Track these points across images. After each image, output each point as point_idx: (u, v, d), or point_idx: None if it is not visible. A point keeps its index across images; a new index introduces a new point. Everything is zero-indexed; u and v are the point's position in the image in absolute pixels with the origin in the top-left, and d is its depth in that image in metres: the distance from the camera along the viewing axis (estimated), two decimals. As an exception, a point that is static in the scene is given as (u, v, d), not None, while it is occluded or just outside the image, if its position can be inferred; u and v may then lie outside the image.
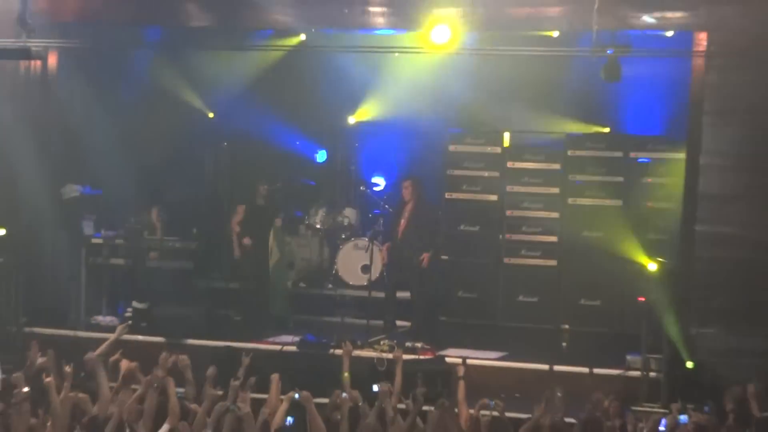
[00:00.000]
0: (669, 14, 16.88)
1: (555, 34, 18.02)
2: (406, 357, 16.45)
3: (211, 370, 13.88)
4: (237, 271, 19.73)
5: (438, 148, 19.68)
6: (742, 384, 13.97)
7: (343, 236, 20.06)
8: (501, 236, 19.10)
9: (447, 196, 19.41)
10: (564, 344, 17.39)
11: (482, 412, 12.08)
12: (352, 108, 21.25)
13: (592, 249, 18.24)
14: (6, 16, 15.89)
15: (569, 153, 18.95)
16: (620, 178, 18.66)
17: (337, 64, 20.71)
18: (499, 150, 19.32)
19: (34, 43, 15.72)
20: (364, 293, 18.81)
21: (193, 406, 12.87)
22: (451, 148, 19.51)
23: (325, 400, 13.01)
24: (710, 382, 14.89)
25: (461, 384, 13.64)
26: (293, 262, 20.08)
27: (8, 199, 18.55)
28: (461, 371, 14.13)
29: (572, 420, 12.56)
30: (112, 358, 14.36)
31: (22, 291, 18.38)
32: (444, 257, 18.86)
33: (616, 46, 16.65)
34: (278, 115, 20.78)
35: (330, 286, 20.01)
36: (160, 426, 12.38)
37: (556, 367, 16.30)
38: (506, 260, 19.02)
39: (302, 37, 19.81)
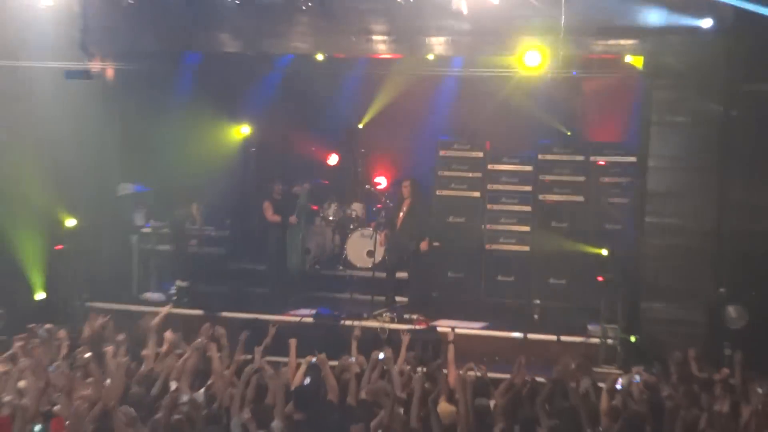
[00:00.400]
0: (622, 42, 16.85)
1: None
2: (403, 327, 16.50)
3: (243, 335, 13.90)
4: (263, 254, 19.75)
5: (430, 153, 19.65)
6: (683, 349, 13.97)
7: (352, 226, 20.01)
8: (483, 226, 19.13)
9: (438, 193, 19.44)
10: (536, 316, 17.41)
11: (468, 372, 12.04)
12: (358, 119, 21.21)
13: (559, 237, 18.29)
14: (71, 43, 15.85)
15: (539, 157, 18.99)
16: (582, 178, 18.69)
17: (344, 85, 20.69)
18: (481, 155, 19.35)
19: (94, 65, 15.68)
20: (369, 274, 18.77)
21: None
22: (441, 153, 19.54)
23: (336, 363, 13.00)
24: (657, 348, 14.87)
25: (450, 348, 13.64)
26: (310, 248, 20.02)
27: (74, 195, 18.53)
28: (451, 337, 14.13)
29: (543, 379, 12.53)
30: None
31: (84, 271, 18.39)
32: (436, 244, 18.81)
33: (579, 67, 16.64)
34: (297, 125, 20.73)
35: (340, 267, 19.95)
36: (196, 383, 12.39)
37: (530, 335, 16.31)
38: (487, 246, 19.05)
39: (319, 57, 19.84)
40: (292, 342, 13.60)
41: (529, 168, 19.07)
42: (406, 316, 17.43)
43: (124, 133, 19.87)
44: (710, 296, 15.90)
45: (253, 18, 17.79)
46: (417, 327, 16.61)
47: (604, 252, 17.21)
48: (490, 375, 13.14)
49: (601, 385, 12.69)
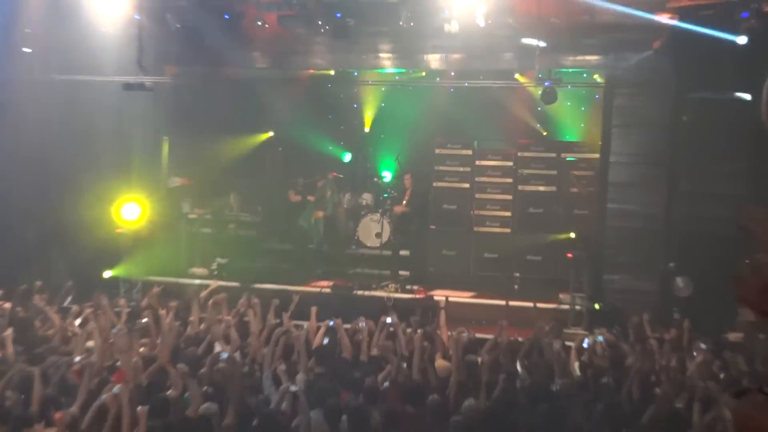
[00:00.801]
0: (588, 57, 16.86)
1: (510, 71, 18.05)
2: (405, 296, 16.50)
3: (274, 302, 13.91)
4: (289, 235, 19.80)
5: (428, 151, 19.63)
6: (638, 314, 13.97)
7: (362, 213, 19.97)
8: (472, 212, 19.09)
9: (434, 184, 19.40)
10: (516, 287, 17.37)
11: (460, 334, 12.03)
12: (365, 124, 21.20)
13: (535, 221, 18.29)
14: (129, 60, 15.87)
15: (519, 154, 18.95)
16: (554, 172, 18.67)
17: (355, 94, 20.69)
18: (470, 152, 19.30)
19: (147, 79, 15.68)
20: (377, 252, 18.75)
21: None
22: (437, 151, 19.50)
23: (349, 326, 13.01)
24: (617, 313, 14.86)
25: (442, 314, 13.63)
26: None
27: (131, 188, 18.55)
28: (442, 305, 14.14)
29: (521, 339, 12.54)
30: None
31: (141, 250, 18.43)
32: (432, 227, 18.82)
33: (552, 80, 16.59)
34: (317, 129, 20.71)
35: (353, 247, 19.91)
36: (235, 343, 12.41)
37: (511, 303, 16.29)
38: (475, 229, 19.02)
39: (332, 72, 19.83)
40: (313, 309, 13.62)
41: (510, 163, 19.04)
42: (408, 286, 17.45)
43: (175, 135, 19.93)
44: (661, 270, 15.91)
45: (280, 39, 17.79)
46: (417, 296, 16.63)
47: (573, 234, 17.20)
48: (478, 336, 13.16)
49: (570, 344, 12.71)
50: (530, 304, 15.97)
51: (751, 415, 1.58)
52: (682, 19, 15.11)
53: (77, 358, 10.98)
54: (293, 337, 11.99)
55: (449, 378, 10.91)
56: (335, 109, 20.93)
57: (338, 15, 16.68)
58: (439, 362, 11.65)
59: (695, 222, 15.82)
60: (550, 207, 18.41)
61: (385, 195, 19.26)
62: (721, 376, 10.75)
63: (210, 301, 14.42)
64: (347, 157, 21.39)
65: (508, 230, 18.88)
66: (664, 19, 15.17)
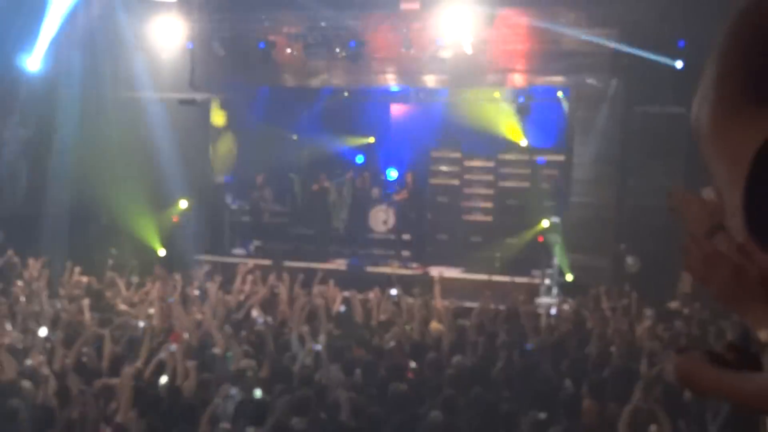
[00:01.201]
0: (555, 78, 16.82)
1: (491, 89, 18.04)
2: (405, 272, 16.49)
3: (300, 276, 13.92)
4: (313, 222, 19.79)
5: (426, 153, 19.60)
6: (596, 287, 13.96)
7: (372, 204, 19.91)
8: (461, 204, 19.03)
9: (431, 181, 19.34)
10: (497, 264, 17.32)
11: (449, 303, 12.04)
12: (372, 134, 21.07)
13: (513, 211, 18.22)
14: (183, 80, 15.89)
15: (499, 156, 18.87)
16: (528, 171, 18.56)
17: (365, 108, 20.63)
18: (459, 155, 19.23)
19: (198, 95, 15.70)
20: (383, 236, 18.73)
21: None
22: (432, 154, 19.46)
23: (361, 297, 13.02)
24: (578, 286, 14.84)
25: (437, 286, 13.60)
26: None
27: (186, 184, 18.56)
28: (437, 279, 14.11)
29: (502, 307, 12.53)
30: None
31: (193, 234, 18.45)
32: (429, 216, 18.80)
33: (525, 96, 16.60)
34: (334, 134, 20.63)
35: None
36: (268, 311, 12.42)
37: (493, 278, 16.25)
38: (464, 217, 18.94)
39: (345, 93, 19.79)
40: (331, 282, 13.64)
41: (491, 164, 18.95)
42: (409, 264, 17.45)
43: (217, 142, 19.95)
44: (614, 250, 15.89)
45: (304, 62, 17.78)
46: (416, 272, 16.63)
47: (545, 224, 17.15)
48: (466, 305, 13.15)
49: (540, 311, 12.71)
50: (508, 279, 15.95)
51: (689, 368, 1.58)
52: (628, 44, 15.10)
53: (141, 323, 11.02)
54: (316, 305, 12.01)
55: (441, 338, 10.93)
56: (348, 120, 20.80)
57: (352, 43, 16.67)
58: (434, 325, 11.66)
59: (641, 211, 15.79)
60: (525, 200, 18.37)
61: (391, 190, 19.21)
62: (666, 337, 10.73)
63: (248, 276, 14.45)
64: (360, 159, 21.29)
65: (490, 218, 18.81)
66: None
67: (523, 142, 19.06)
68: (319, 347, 9.84)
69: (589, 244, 16.05)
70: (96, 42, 17.22)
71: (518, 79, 16.47)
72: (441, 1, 14.83)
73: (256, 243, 19.04)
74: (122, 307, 12.66)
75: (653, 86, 15.44)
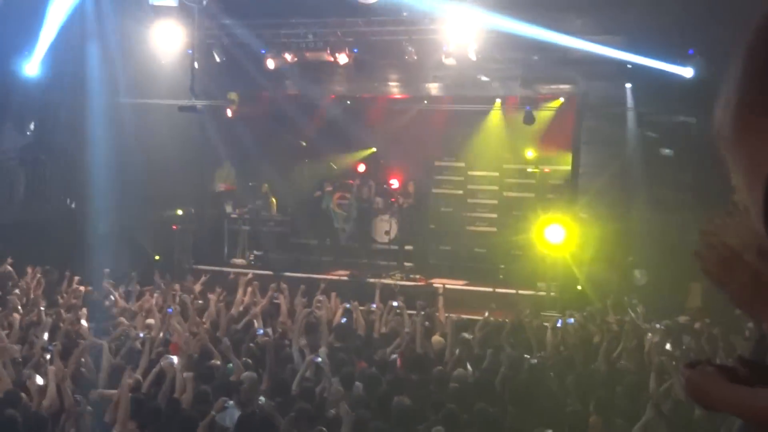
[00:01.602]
0: (561, 86, 16.88)
1: (497, 99, 18.07)
2: (409, 284, 16.48)
3: (301, 287, 13.92)
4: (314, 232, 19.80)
5: (429, 163, 19.63)
6: (603, 299, 13.95)
7: (374, 214, 19.93)
8: (465, 214, 19.07)
9: (434, 191, 19.42)
10: (501, 276, 17.32)
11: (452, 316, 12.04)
12: (374, 143, 21.06)
13: (517, 222, 18.20)
14: (183, 86, 15.93)
15: (504, 166, 18.91)
16: (533, 181, 18.57)
17: (366, 117, 20.63)
18: (463, 164, 19.31)
19: (199, 103, 15.75)
20: (386, 246, 18.72)
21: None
22: (436, 163, 19.52)
23: (363, 308, 13.01)
24: (585, 298, 14.82)
25: (440, 299, 13.59)
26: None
27: (185, 192, 18.63)
28: (440, 291, 14.12)
29: (506, 319, 12.52)
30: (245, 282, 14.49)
31: (191, 244, 18.47)
32: (432, 226, 18.81)
33: (531, 104, 16.65)
34: (337, 144, 20.62)
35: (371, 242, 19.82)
36: (268, 322, 12.42)
37: (497, 289, 16.27)
38: (468, 228, 19.01)
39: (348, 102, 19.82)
40: (333, 294, 13.64)
41: (496, 174, 19.02)
42: (411, 276, 17.43)
43: (217, 150, 19.99)
44: (622, 262, 15.87)
45: (307, 70, 17.84)
46: (419, 283, 16.62)
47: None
48: (470, 316, 13.14)
49: (546, 324, 12.70)
50: (513, 291, 15.94)
51: (701, 383, 1.60)
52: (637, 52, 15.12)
53: (141, 334, 11.02)
54: (316, 317, 12.01)
55: (444, 352, 10.93)
56: (350, 128, 20.80)
57: (355, 51, 16.71)
58: (435, 338, 11.66)
59: (649, 222, 15.80)
60: (529, 210, 18.34)
61: (393, 200, 19.23)
62: (675, 353, 10.70)
63: (248, 287, 14.45)
64: (362, 167, 21.29)
65: (494, 229, 18.84)
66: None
67: (529, 152, 19.08)
68: (319, 359, 9.84)
69: (595, 256, 16.02)
70: (95, 48, 17.28)
71: (524, 88, 16.50)
72: (445, 9, 14.86)
73: (256, 252, 19.05)
74: (121, 317, 12.65)
75: (662, 95, 15.46)
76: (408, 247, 18.67)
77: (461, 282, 17.07)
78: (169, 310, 12.54)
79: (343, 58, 16.75)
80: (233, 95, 18.49)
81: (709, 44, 13.66)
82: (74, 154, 17.86)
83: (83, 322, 11.64)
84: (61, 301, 13.35)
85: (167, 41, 16.61)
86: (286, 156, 20.75)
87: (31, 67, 17.32)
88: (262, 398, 8.47)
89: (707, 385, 1.66)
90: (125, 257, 17.44)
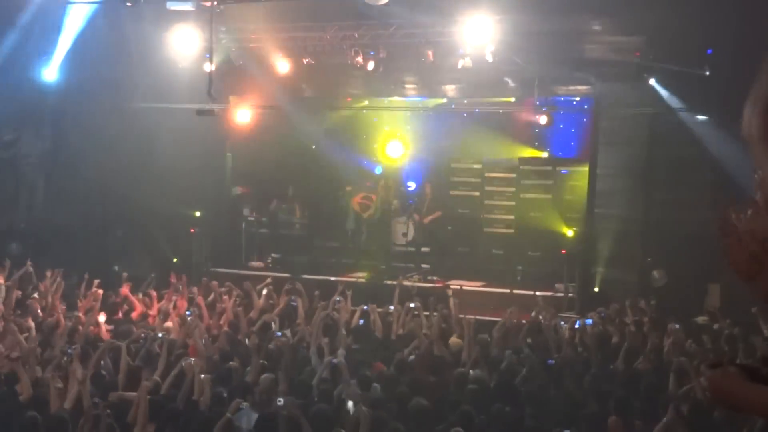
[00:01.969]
0: (580, 87, 16.83)
1: (512, 99, 18.01)
2: (425, 285, 16.46)
3: (317, 292, 13.92)
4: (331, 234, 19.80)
5: (445, 165, 19.60)
6: (621, 300, 13.89)
7: (391, 216, 19.87)
8: (482, 216, 18.99)
9: (451, 192, 19.33)
10: (519, 278, 17.26)
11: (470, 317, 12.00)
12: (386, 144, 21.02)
13: (535, 223, 18.17)
14: (200, 90, 15.97)
15: (521, 167, 18.82)
16: (551, 182, 18.46)
17: (385, 117, 20.60)
18: (480, 166, 19.22)
19: (216, 106, 15.77)
20: (404, 248, 18.70)
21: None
22: (453, 165, 19.46)
23: (381, 310, 13.01)
24: (603, 300, 14.75)
25: (451, 301, 13.51)
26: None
27: (203, 195, 18.69)
28: (450, 293, 14.07)
29: (524, 321, 12.48)
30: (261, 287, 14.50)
31: (209, 247, 18.51)
32: (449, 228, 18.75)
33: (548, 105, 16.60)
34: (353, 146, 20.60)
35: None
36: (286, 324, 12.43)
37: (515, 291, 16.22)
38: (485, 230, 18.91)
39: (366, 102, 19.78)
40: (348, 294, 13.66)
41: (513, 175, 18.93)
42: (429, 277, 17.41)
43: (235, 152, 20.05)
44: (640, 263, 15.81)
45: (323, 73, 17.85)
46: (436, 285, 16.59)
47: (570, 233, 17.09)
48: (487, 318, 13.11)
49: (564, 324, 12.66)
50: (531, 292, 15.87)
51: (723, 383, 1.58)
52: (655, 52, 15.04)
53: (159, 334, 11.05)
54: (334, 319, 12.02)
55: (461, 353, 10.91)
56: (365, 130, 20.76)
57: (371, 53, 16.70)
58: (453, 340, 11.64)
59: (668, 223, 15.73)
60: (547, 212, 18.30)
61: (410, 201, 19.18)
62: (695, 353, 10.62)
63: (265, 289, 14.47)
64: (379, 170, 21.27)
65: (512, 231, 18.75)
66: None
67: (546, 153, 19.01)
68: (337, 361, 9.84)
69: (614, 258, 15.97)
70: (112, 53, 17.36)
71: (541, 89, 16.45)
72: (462, 10, 14.83)
73: (273, 255, 19.06)
74: (139, 320, 12.71)
75: (680, 95, 15.38)
76: (425, 249, 18.62)
77: (479, 283, 17.04)
78: (188, 312, 12.59)
79: (359, 61, 16.74)
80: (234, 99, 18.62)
81: (728, 44, 13.58)
82: (92, 158, 17.95)
83: (102, 326, 11.69)
84: (79, 304, 13.41)
85: (184, 45, 16.66)
86: (302, 159, 20.77)
87: (50, 72, 17.44)
88: (280, 399, 8.46)
89: (730, 385, 1.64)
90: (143, 260, 17.54)
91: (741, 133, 1.46)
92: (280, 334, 11.28)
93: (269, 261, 18.92)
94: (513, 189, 18.90)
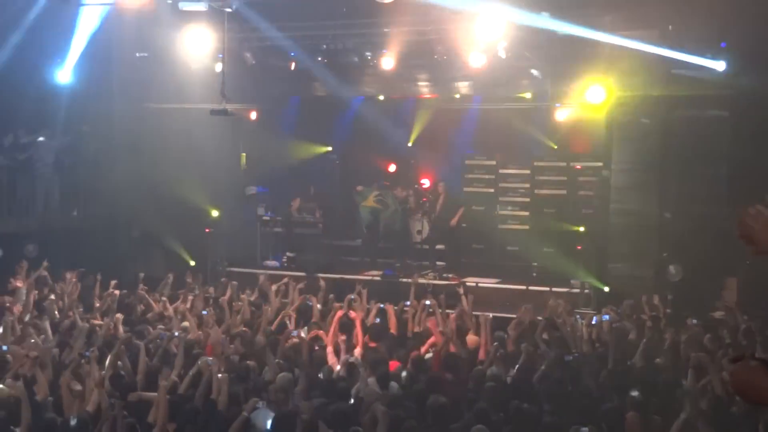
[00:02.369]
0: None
1: (527, 95, 17.98)
2: (441, 283, 16.45)
3: (333, 288, 13.95)
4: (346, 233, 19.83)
5: (459, 162, 19.60)
6: (638, 296, 13.85)
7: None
8: (496, 212, 18.97)
9: (465, 189, 19.32)
10: (534, 274, 17.25)
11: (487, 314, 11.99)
12: (408, 140, 21.00)
13: (549, 219, 18.16)
14: (213, 90, 16.02)
15: (535, 163, 18.82)
16: (564, 178, 18.49)
17: (398, 116, 20.60)
18: (494, 162, 19.21)
19: (229, 106, 15.80)
20: (418, 246, 18.69)
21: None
22: (467, 162, 19.46)
23: (396, 307, 13.02)
24: (619, 295, 14.70)
25: (463, 298, 13.45)
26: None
27: (218, 195, 18.74)
28: (461, 291, 14.05)
29: (540, 318, 12.48)
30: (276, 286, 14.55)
31: (225, 246, 18.56)
32: (464, 225, 18.73)
33: (561, 101, 16.59)
34: (366, 145, 20.62)
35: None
36: (302, 323, 12.46)
37: (530, 287, 16.20)
38: (500, 226, 18.89)
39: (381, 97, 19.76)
40: (364, 291, 13.67)
41: (527, 171, 18.90)
42: (444, 275, 17.42)
43: (249, 151, 20.10)
44: (656, 258, 15.76)
45: (336, 71, 17.85)
46: (451, 282, 16.58)
47: (581, 229, 17.04)
48: (503, 315, 13.10)
49: (581, 319, 12.65)
50: (546, 289, 15.86)
51: (746, 376, 1.59)
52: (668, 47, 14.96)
53: (176, 333, 11.10)
54: (350, 317, 12.04)
55: (478, 350, 10.92)
56: (381, 128, 20.77)
57: (384, 51, 16.71)
58: (470, 337, 11.65)
59: (683, 218, 15.68)
60: (562, 207, 18.27)
61: (425, 199, 19.18)
62: (712, 348, 10.58)
63: (280, 288, 14.52)
64: (392, 168, 21.26)
65: (526, 227, 18.73)
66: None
67: (560, 149, 18.99)
68: (354, 359, 9.86)
69: (629, 253, 15.91)
70: (126, 54, 17.44)
71: (554, 84, 16.41)
72: (475, 6, 14.81)
73: (289, 254, 19.11)
74: (154, 320, 12.76)
75: (695, 89, 15.32)
76: (440, 246, 18.62)
77: (494, 280, 17.04)
78: (204, 312, 12.65)
79: (372, 59, 16.76)
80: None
81: (742, 38, 13.54)
82: (107, 159, 18.05)
83: (119, 326, 11.75)
84: (96, 305, 13.48)
85: (197, 46, 16.70)
86: (314, 157, 20.82)
87: (64, 74, 17.52)
88: (298, 401, 8.50)
89: (753, 379, 1.64)
90: (159, 261, 17.62)
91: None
92: (296, 332, 11.31)
93: (284, 260, 18.97)
94: (527, 185, 18.88)
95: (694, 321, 11.95)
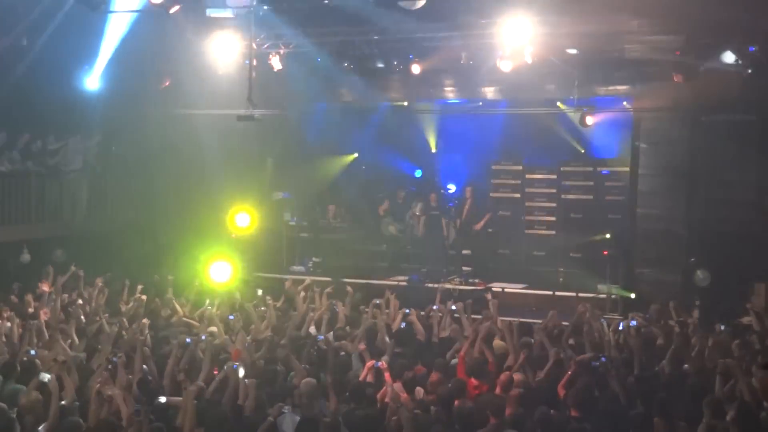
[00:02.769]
0: (619, 87, 16.68)
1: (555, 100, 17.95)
2: (467, 288, 16.40)
3: (360, 293, 13.95)
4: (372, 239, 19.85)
5: (486, 167, 19.57)
6: (665, 301, 13.73)
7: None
8: (522, 218, 18.95)
9: (491, 194, 19.32)
10: (561, 279, 17.18)
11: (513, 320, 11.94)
12: (433, 145, 20.97)
13: (575, 224, 18.08)
14: (240, 96, 16.06)
15: (561, 168, 18.77)
16: (591, 183, 18.45)
17: (424, 122, 20.60)
18: (520, 167, 19.22)
19: (256, 112, 15.83)
20: (447, 252, 18.67)
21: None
22: (493, 167, 19.45)
23: (423, 313, 13.00)
24: (647, 301, 14.60)
25: (491, 303, 13.39)
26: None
27: (242, 201, 18.80)
28: (489, 296, 13.99)
29: (566, 323, 12.41)
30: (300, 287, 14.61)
31: (251, 251, 18.60)
32: (489, 230, 18.69)
33: (587, 106, 16.52)
34: (392, 150, 20.63)
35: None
36: (328, 328, 12.47)
37: (557, 293, 16.14)
38: (526, 231, 18.89)
39: (405, 103, 19.72)
40: (392, 296, 13.67)
41: (554, 176, 18.87)
42: (470, 280, 17.37)
43: (277, 158, 20.15)
44: (684, 264, 15.65)
45: (361, 77, 17.86)
46: (478, 287, 16.54)
47: (608, 234, 16.92)
48: (529, 321, 13.03)
49: (608, 324, 12.57)
50: (573, 294, 15.78)
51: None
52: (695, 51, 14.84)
53: (203, 336, 11.12)
54: (376, 323, 12.02)
55: (506, 356, 10.86)
56: (407, 134, 20.74)
57: (410, 56, 16.71)
58: (497, 343, 11.58)
59: (711, 223, 15.57)
60: (588, 213, 18.18)
61: (450, 204, 19.13)
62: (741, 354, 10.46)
63: (306, 293, 14.53)
64: (419, 173, 21.24)
65: (553, 232, 18.68)
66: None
67: (586, 154, 18.90)
68: (380, 364, 9.85)
69: (657, 258, 15.83)
70: (153, 60, 17.55)
71: (581, 89, 16.34)
72: (501, 11, 14.77)
73: (315, 259, 19.13)
74: (179, 326, 12.80)
75: (722, 94, 15.20)
76: (465, 251, 18.57)
77: (520, 285, 16.98)
78: (230, 317, 12.68)
79: (398, 64, 16.78)
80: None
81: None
82: (135, 165, 18.17)
83: (146, 331, 11.80)
84: (123, 309, 13.55)
85: (224, 52, 16.76)
86: (341, 163, 20.85)
87: (92, 81, 17.65)
88: (323, 406, 8.51)
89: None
90: (186, 266, 17.67)
91: None
92: (322, 338, 11.30)
93: (310, 265, 18.98)
94: (554, 190, 18.83)
95: (723, 327, 11.82)
